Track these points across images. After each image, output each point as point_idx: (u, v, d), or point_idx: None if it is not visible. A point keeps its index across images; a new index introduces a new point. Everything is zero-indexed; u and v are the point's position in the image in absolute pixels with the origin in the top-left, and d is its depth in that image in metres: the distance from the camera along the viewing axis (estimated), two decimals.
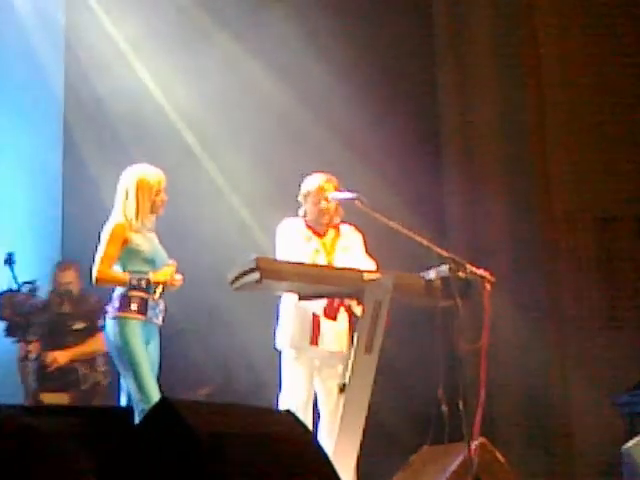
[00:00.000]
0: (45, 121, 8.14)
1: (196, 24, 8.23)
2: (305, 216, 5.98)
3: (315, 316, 5.76)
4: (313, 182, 5.97)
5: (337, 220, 6.00)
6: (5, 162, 7.91)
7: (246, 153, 8.09)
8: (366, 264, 5.88)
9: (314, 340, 5.75)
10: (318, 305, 5.75)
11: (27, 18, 8.01)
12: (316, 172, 6.04)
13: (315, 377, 5.81)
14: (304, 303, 5.71)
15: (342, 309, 5.83)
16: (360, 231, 6.05)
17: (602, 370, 8.21)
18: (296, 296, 5.68)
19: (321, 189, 5.91)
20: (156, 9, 8.06)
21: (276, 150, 7.97)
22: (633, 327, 8.59)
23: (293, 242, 5.85)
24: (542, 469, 7.84)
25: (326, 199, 5.89)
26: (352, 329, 5.76)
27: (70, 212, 7.95)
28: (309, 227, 5.96)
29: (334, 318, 5.79)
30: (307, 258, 5.77)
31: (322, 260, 5.84)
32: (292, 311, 5.80)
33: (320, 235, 5.95)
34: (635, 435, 6.23)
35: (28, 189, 7.97)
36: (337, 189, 5.93)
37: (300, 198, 6.00)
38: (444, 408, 5.42)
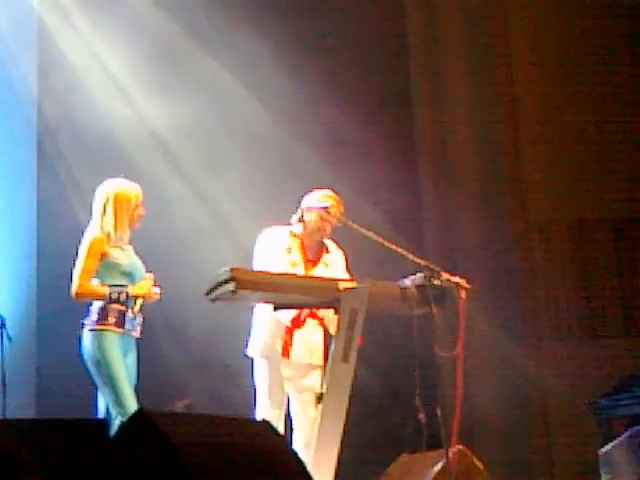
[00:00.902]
0: (19, 146, 8.14)
1: (174, 46, 8.24)
2: (298, 222, 5.94)
3: (287, 328, 5.77)
4: (327, 199, 5.92)
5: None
6: None
7: (226, 169, 8.09)
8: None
9: (285, 352, 5.76)
10: (287, 316, 5.75)
11: None
12: (316, 189, 6.01)
13: (288, 388, 5.79)
14: (275, 314, 5.71)
15: (316, 323, 5.84)
16: (342, 248, 6.06)
17: (580, 376, 8.25)
18: (269, 306, 5.68)
19: (332, 208, 5.86)
20: (132, 31, 8.06)
21: (256, 167, 8.00)
22: (611, 333, 8.65)
23: (271, 253, 5.83)
24: (521, 475, 7.87)
25: (328, 213, 5.84)
26: (326, 343, 5.78)
27: (45, 234, 7.93)
28: (295, 236, 5.93)
29: (300, 326, 5.79)
30: (283, 270, 5.75)
31: (299, 272, 5.82)
32: (264, 321, 5.82)
33: (305, 247, 5.94)
34: (612, 439, 6.29)
35: (3, 217, 7.96)
36: (342, 213, 5.91)
37: (304, 206, 5.95)
38: (422, 416, 5.43)
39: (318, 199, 5.93)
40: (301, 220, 5.94)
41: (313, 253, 5.96)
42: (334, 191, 6.00)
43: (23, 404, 7.31)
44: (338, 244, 6.05)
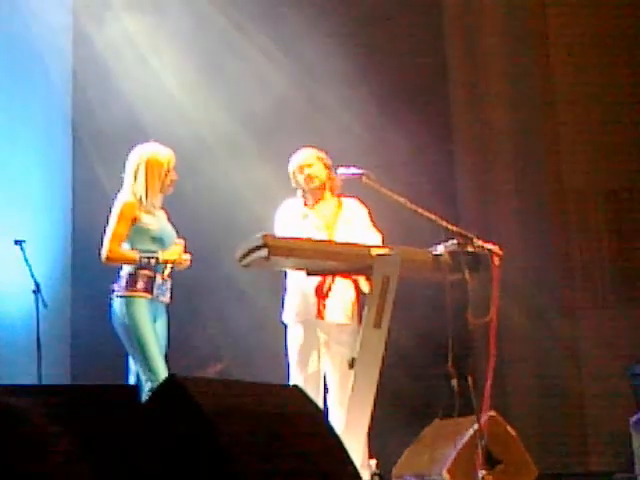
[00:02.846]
0: (55, 123, 8.19)
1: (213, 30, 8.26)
2: (303, 194, 6.03)
3: (318, 290, 5.81)
4: (293, 159, 6.07)
5: (337, 191, 6.05)
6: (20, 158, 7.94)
7: (264, 139, 8.09)
8: (371, 237, 5.90)
9: (320, 314, 5.79)
10: (312, 283, 5.79)
11: (33, 21, 7.99)
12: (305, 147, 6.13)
13: (323, 351, 5.82)
14: (303, 280, 5.74)
15: (349, 282, 5.85)
16: (365, 205, 6.06)
17: (614, 343, 8.22)
18: (300, 272, 5.70)
19: (300, 166, 6.00)
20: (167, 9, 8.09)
21: (285, 130, 7.98)
22: None
23: (289, 222, 5.89)
24: (553, 441, 7.86)
25: (309, 165, 5.97)
26: (359, 302, 5.80)
27: (80, 202, 7.98)
28: (305, 204, 6.01)
29: (325, 296, 5.81)
30: (309, 234, 5.78)
31: (323, 236, 5.86)
32: (297, 286, 5.86)
33: (317, 210, 5.98)
34: None
35: (40, 187, 8.02)
36: (322, 160, 5.98)
37: (289, 175, 6.07)
38: (454, 382, 5.43)
39: (290, 163, 6.07)
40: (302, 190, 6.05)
41: (328, 214, 5.99)
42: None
43: (58, 368, 7.38)
44: (362, 201, 6.05)
